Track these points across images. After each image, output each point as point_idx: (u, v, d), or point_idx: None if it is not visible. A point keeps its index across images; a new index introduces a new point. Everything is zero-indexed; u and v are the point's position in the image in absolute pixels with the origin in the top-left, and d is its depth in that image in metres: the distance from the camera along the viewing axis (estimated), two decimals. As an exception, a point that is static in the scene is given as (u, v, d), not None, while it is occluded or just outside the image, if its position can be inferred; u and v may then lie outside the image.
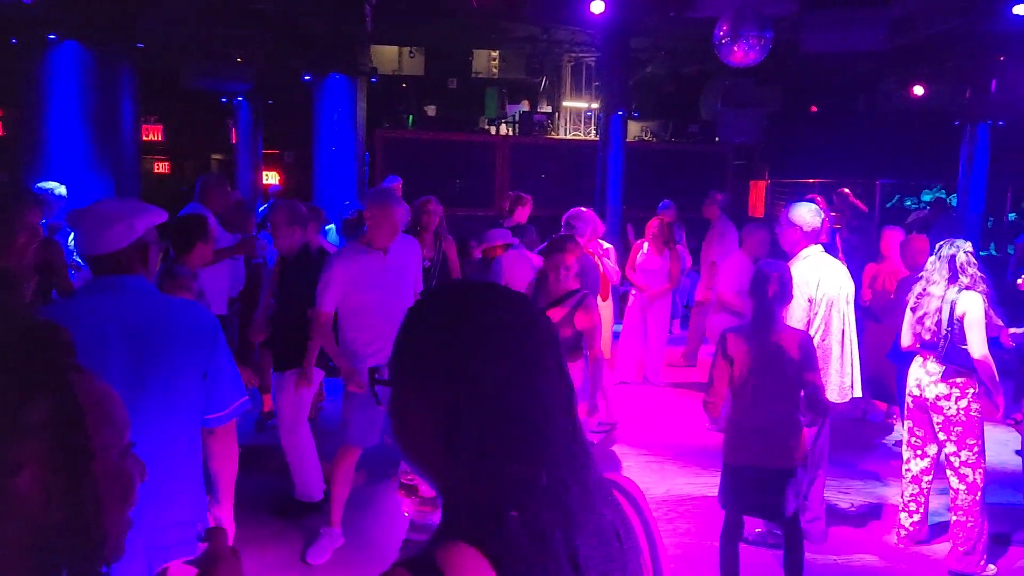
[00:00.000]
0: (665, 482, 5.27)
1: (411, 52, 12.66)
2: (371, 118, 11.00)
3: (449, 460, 0.94)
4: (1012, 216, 13.84)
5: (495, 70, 13.19)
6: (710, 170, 13.43)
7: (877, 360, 5.77)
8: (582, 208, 6.28)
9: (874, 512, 4.83)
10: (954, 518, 4.08)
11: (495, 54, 13.13)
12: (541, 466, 0.93)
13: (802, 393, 3.44)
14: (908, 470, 4.32)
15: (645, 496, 1.13)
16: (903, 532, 4.37)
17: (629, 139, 12.42)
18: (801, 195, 14.10)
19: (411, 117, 12.64)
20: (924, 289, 4.11)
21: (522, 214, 6.83)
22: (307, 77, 9.78)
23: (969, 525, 4.01)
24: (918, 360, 4.18)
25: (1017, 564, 4.19)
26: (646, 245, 7.37)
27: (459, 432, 0.93)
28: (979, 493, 4.02)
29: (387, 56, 12.60)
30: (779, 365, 3.39)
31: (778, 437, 3.40)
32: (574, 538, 0.92)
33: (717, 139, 13.40)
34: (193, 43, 10.91)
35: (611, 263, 6.60)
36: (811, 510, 4.21)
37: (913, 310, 4.18)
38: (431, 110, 12.83)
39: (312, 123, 9.54)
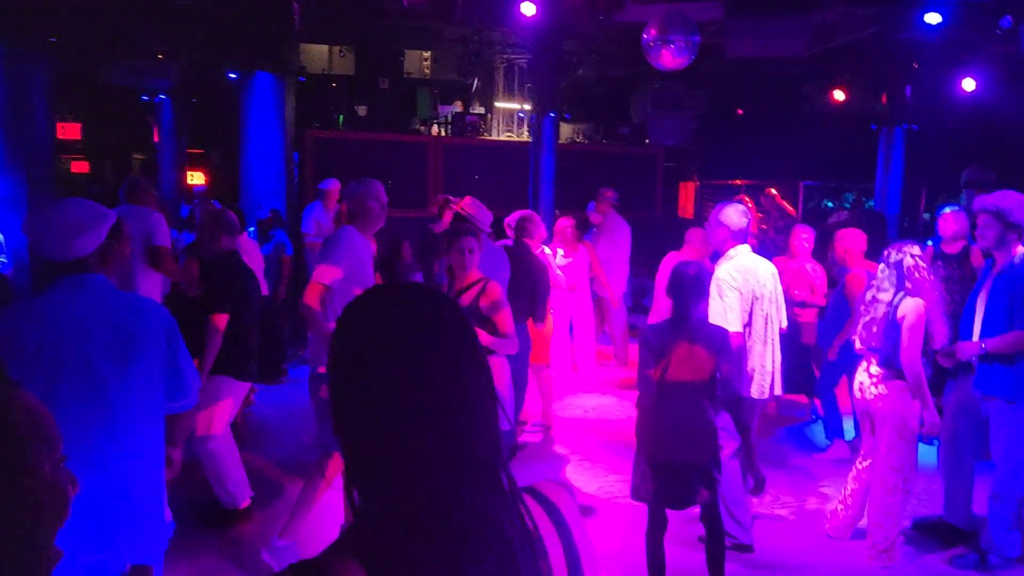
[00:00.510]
0: (597, 480, 5.31)
1: (341, 51, 12.48)
2: (301, 118, 10.78)
3: (346, 468, 0.98)
4: (927, 216, 14.41)
5: (427, 71, 13.11)
6: (641, 172, 13.64)
7: (796, 355, 5.95)
8: (529, 211, 6.37)
9: (801, 506, 4.96)
10: (875, 516, 4.18)
11: (427, 54, 13.04)
12: (424, 478, 0.93)
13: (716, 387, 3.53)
14: (854, 467, 4.44)
15: (570, 502, 1.12)
16: (837, 526, 4.50)
17: (561, 141, 12.51)
18: (729, 196, 14.46)
19: (341, 117, 12.46)
20: (874, 296, 4.17)
21: (448, 218, 6.81)
22: (233, 75, 9.54)
23: (887, 524, 4.13)
24: (863, 364, 4.27)
25: (923, 560, 4.35)
26: (560, 251, 7.44)
27: (343, 439, 0.96)
28: (900, 494, 4.12)
29: (317, 55, 12.38)
30: (697, 360, 3.46)
31: (697, 431, 3.47)
32: (457, 551, 0.91)
33: (648, 141, 13.60)
34: (112, 39, 10.51)
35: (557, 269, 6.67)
36: (740, 505, 4.28)
37: (863, 315, 4.25)
38: (362, 110, 12.66)
39: (239, 122, 9.31)
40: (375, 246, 6.06)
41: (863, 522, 4.37)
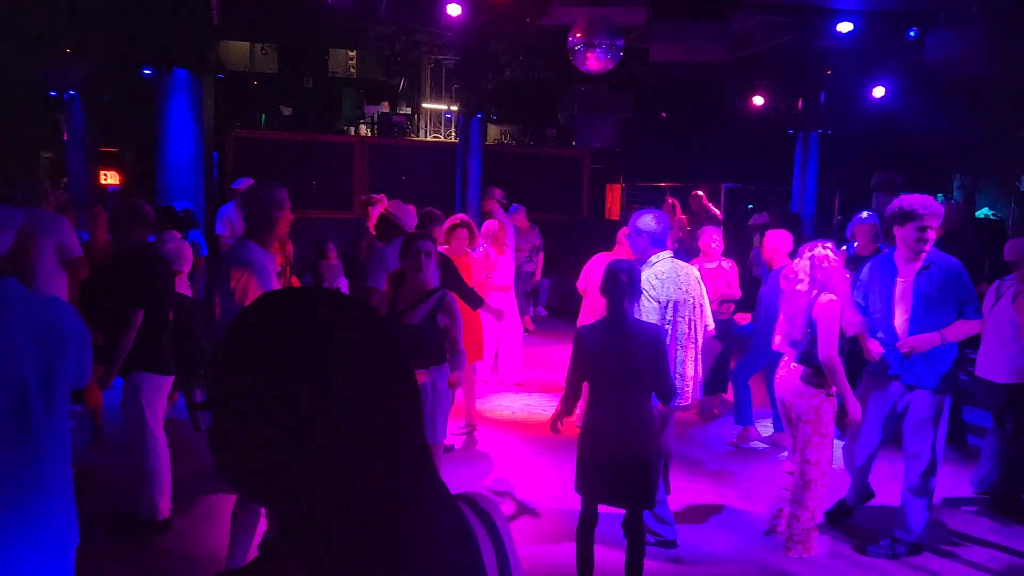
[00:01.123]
0: (524, 480, 5.31)
1: (263, 49, 12.19)
2: (221, 117, 10.50)
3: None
4: (840, 218, 14.97)
5: (353, 70, 12.92)
6: (568, 174, 13.76)
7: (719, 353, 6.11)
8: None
9: (722, 501, 5.07)
10: (790, 508, 4.32)
11: (352, 54, 12.86)
12: (343, 485, 0.90)
13: (651, 385, 3.56)
14: (787, 463, 4.56)
15: (499, 511, 1.11)
16: (773, 522, 4.61)
17: (489, 142, 12.53)
18: (655, 198, 14.73)
19: (264, 116, 12.18)
20: (792, 292, 4.29)
21: (375, 214, 6.77)
22: (148, 72, 9.20)
23: (804, 516, 4.25)
24: (784, 360, 4.40)
25: (837, 549, 4.51)
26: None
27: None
28: (818, 488, 4.25)
29: (238, 52, 12.07)
30: (631, 359, 3.49)
31: (632, 430, 3.49)
32: (391, 559, 0.90)
33: (574, 143, 13.72)
34: (16, 31, 10.02)
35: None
36: (662, 502, 4.36)
37: (783, 312, 4.38)
38: (286, 110, 12.40)
39: (155, 121, 8.99)
40: (291, 249, 5.96)
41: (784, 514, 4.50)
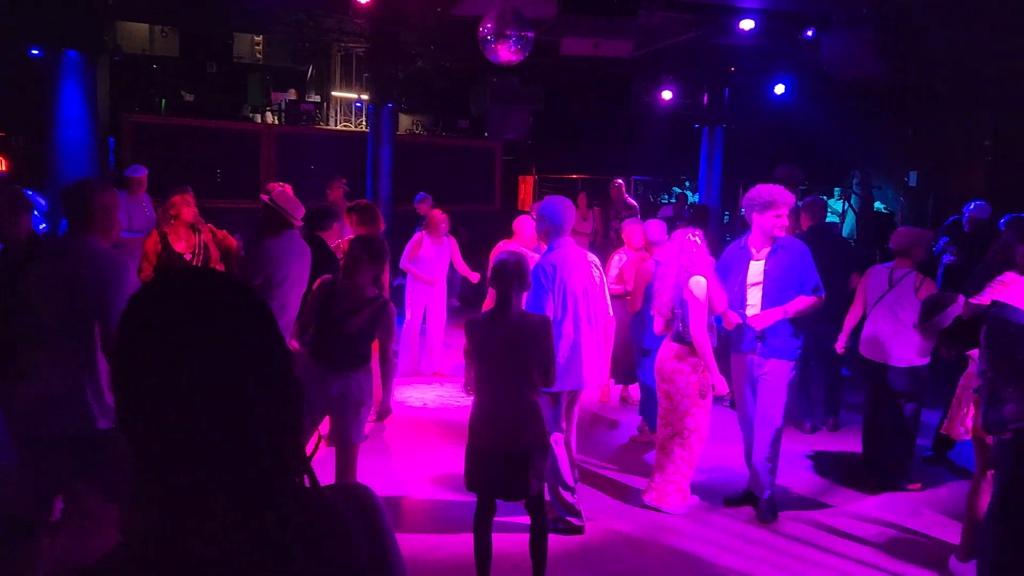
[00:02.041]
0: (434, 470, 5.32)
1: (163, 31, 11.72)
2: (118, 101, 10.04)
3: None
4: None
5: (259, 55, 12.58)
6: (480, 165, 13.78)
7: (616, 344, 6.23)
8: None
9: (628, 487, 5.20)
10: (664, 459, 4.66)
11: (259, 39, 12.52)
12: (212, 480, 0.89)
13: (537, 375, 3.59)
14: (657, 437, 4.80)
15: (376, 502, 1.10)
16: (650, 490, 4.80)
17: (400, 132, 12.41)
18: (567, 190, 14.90)
19: (164, 101, 11.70)
20: (664, 275, 4.60)
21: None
22: (37, 53, 8.69)
23: (674, 468, 4.62)
24: (666, 339, 4.68)
25: (736, 528, 4.70)
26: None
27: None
28: (692, 450, 4.61)
29: (136, 34, 11.56)
30: (519, 350, 3.51)
31: (519, 419, 3.52)
32: (253, 554, 0.90)
33: (486, 135, 13.74)
34: None
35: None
36: (569, 489, 4.43)
37: (656, 295, 4.64)
38: (188, 95, 11.95)
39: (44, 104, 8.51)
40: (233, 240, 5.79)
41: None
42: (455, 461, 5.43)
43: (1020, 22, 8.48)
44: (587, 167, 16.10)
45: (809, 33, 9.52)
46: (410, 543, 4.29)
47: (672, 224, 9.17)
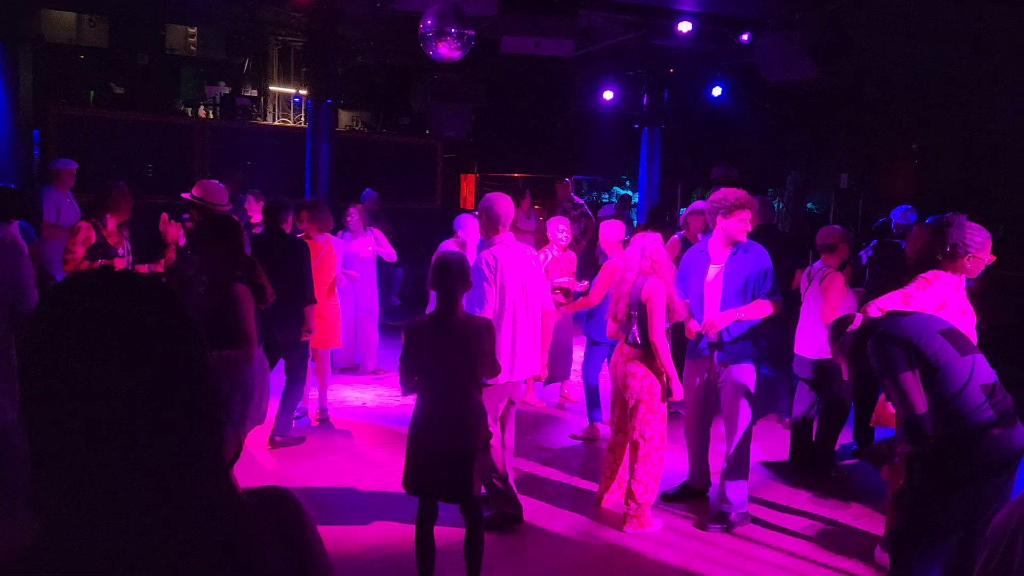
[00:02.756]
0: (373, 471, 5.25)
1: (91, 20, 11.29)
2: (43, 92, 9.63)
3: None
4: (683, 211, 15.77)
5: (193, 47, 12.23)
6: (421, 162, 13.66)
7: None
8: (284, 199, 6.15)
9: (566, 481, 5.22)
10: (627, 485, 4.53)
11: (193, 30, 12.17)
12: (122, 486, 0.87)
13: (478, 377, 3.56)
14: (609, 441, 4.75)
15: (296, 506, 1.08)
16: (600, 496, 4.79)
17: (340, 128, 12.23)
18: (508, 189, 14.90)
19: (92, 93, 11.29)
20: (622, 277, 4.52)
21: None
22: (-47, 39, 8.28)
23: (639, 491, 4.48)
24: (617, 343, 4.61)
25: (674, 524, 4.76)
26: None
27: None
28: (652, 464, 4.50)
29: (62, 22, 11.12)
30: (464, 354, 3.47)
31: (459, 421, 3.48)
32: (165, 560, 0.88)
33: (427, 132, 13.64)
34: None
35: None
36: (505, 479, 4.41)
37: (613, 297, 4.57)
38: (118, 87, 11.54)
39: (-39, 94, 8.11)
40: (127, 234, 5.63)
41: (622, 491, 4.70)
42: (394, 462, 5.38)
43: (947, 29, 8.80)
44: (529, 166, 16.13)
45: (744, 37, 9.70)
46: (348, 544, 4.23)
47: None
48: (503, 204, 4.43)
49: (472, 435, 3.50)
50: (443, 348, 3.47)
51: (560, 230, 6.59)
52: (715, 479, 4.94)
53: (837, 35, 9.07)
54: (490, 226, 4.41)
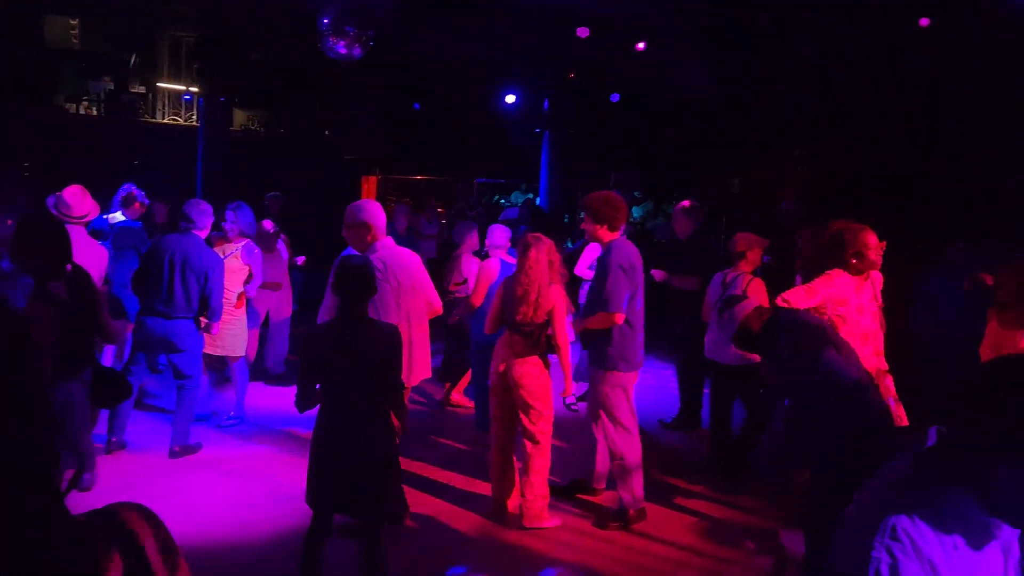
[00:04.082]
0: (270, 481, 5.09)
1: (-41, 8, 10.55)
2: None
3: None
4: (582, 216, 16.05)
5: (74, 40, 11.60)
6: (322, 163, 13.39)
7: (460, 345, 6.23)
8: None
9: (456, 486, 5.18)
10: (528, 478, 4.54)
11: (75, 22, 11.54)
12: None
13: (385, 385, 3.45)
14: (495, 441, 4.73)
15: (144, 525, 1.04)
16: (494, 496, 4.77)
17: (235, 127, 11.85)
18: (411, 190, 14.78)
19: (-39, 86, 10.55)
20: (517, 277, 4.48)
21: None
22: None
23: (538, 486, 4.52)
24: (504, 341, 4.58)
25: (571, 522, 4.81)
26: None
27: None
28: (547, 460, 4.55)
29: (-75, 9, 10.34)
30: (365, 359, 3.35)
31: (369, 431, 3.37)
32: None
33: (328, 133, 13.39)
34: None
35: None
36: (391, 491, 4.34)
37: (508, 298, 4.54)
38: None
39: None
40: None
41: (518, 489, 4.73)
42: (297, 472, 5.23)
43: (834, 37, 9.24)
44: (433, 168, 16.06)
45: (641, 45, 9.94)
46: (231, 558, 4.08)
47: (515, 227, 9.34)
48: (371, 210, 4.31)
49: (384, 446, 3.41)
50: (350, 355, 3.34)
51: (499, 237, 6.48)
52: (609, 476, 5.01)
53: (730, 43, 9.43)
54: (363, 234, 4.24)
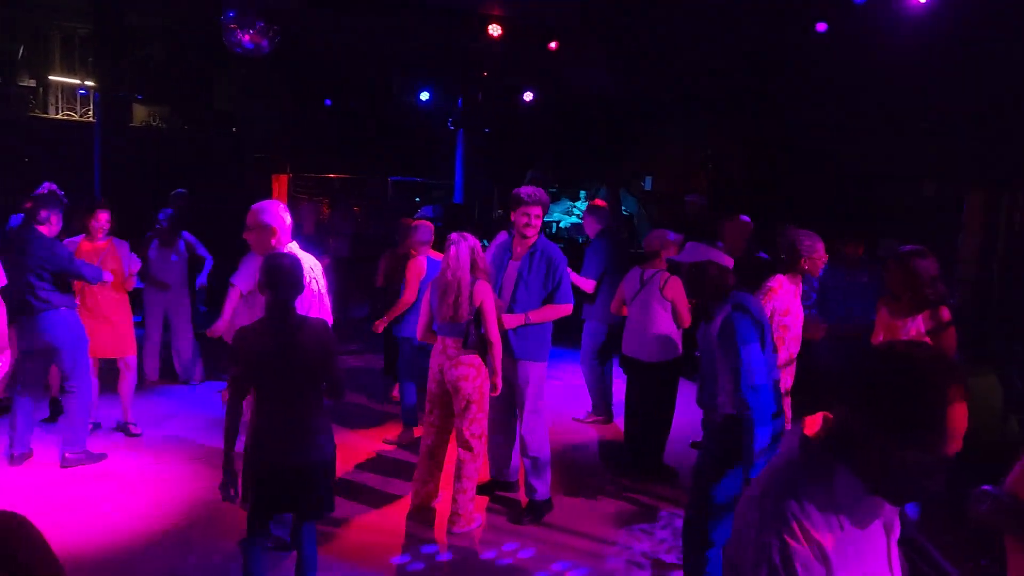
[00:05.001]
0: (184, 487, 4.91)
1: None
2: None
3: None
4: (500, 212, 16.04)
5: (-45, 30, 10.92)
6: (229, 161, 12.99)
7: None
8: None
9: (379, 489, 5.12)
10: (461, 482, 4.51)
11: (-46, 10, 10.86)
12: None
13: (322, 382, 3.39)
14: (426, 445, 4.66)
15: (23, 532, 0.97)
16: (414, 499, 4.72)
17: (135, 123, 11.38)
18: (324, 189, 14.51)
19: None
20: (446, 280, 4.40)
21: None
22: None
23: (469, 488, 4.49)
24: (438, 346, 4.51)
25: (489, 520, 4.81)
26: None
27: None
28: (480, 460, 4.52)
29: None
30: (299, 357, 3.28)
31: (304, 432, 3.30)
32: None
33: (234, 129, 13.00)
34: None
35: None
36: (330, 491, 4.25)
37: (435, 300, 4.48)
38: None
39: None
40: None
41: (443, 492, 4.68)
42: (199, 478, 5.06)
43: (733, 39, 9.52)
44: (346, 166, 15.79)
45: (552, 44, 10.00)
46: (145, 567, 3.92)
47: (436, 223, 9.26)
48: (275, 211, 4.10)
49: (324, 445, 3.34)
50: (283, 355, 3.26)
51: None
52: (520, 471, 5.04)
53: (636, 45, 9.59)
54: (266, 237, 4.06)
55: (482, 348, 4.47)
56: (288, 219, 4.12)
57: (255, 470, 3.30)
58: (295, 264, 3.37)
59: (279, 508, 3.41)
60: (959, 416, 1.33)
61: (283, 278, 3.30)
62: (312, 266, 4.20)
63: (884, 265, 4.38)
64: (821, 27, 8.58)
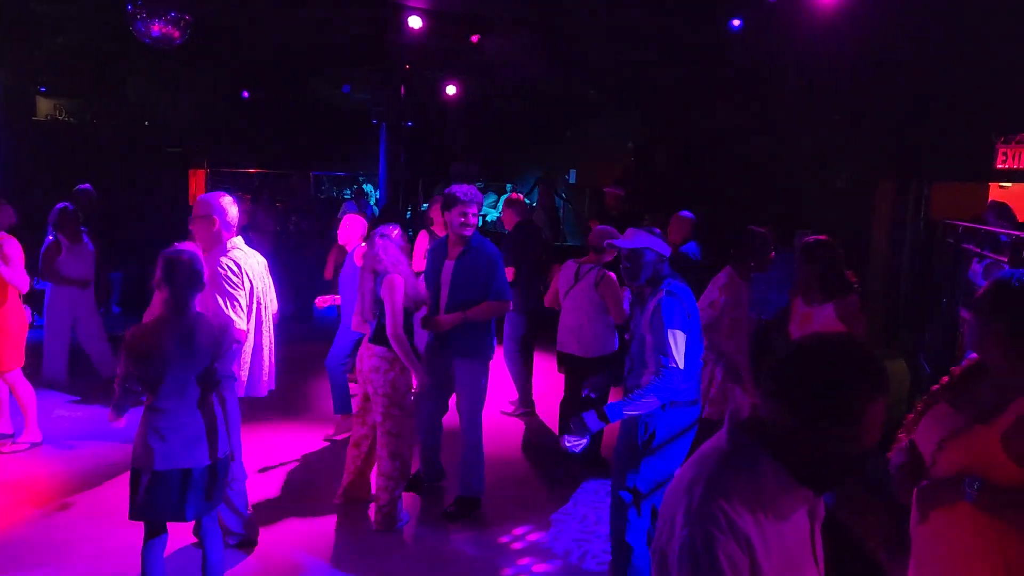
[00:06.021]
0: (110, 490, 4.72)
1: None
2: None
3: None
4: (425, 207, 15.93)
5: None
6: (142, 155, 12.46)
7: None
8: None
9: (307, 490, 5.02)
10: (377, 481, 4.46)
11: None
12: None
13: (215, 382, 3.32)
14: (353, 437, 4.64)
15: None
16: (347, 492, 4.68)
17: (39, 117, 10.85)
18: (243, 185, 14.12)
19: None
20: (363, 274, 4.41)
21: None
22: None
23: (390, 487, 4.42)
24: (365, 338, 4.50)
25: (418, 516, 4.77)
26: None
27: None
28: (400, 459, 4.43)
29: None
30: (196, 355, 3.21)
31: (200, 432, 3.22)
32: None
33: (148, 123, 12.50)
34: None
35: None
36: (241, 497, 4.13)
37: (359, 293, 4.49)
38: None
39: None
40: None
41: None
42: (117, 488, 4.86)
43: (658, 37, 9.67)
44: (265, 161, 15.41)
45: (475, 38, 9.96)
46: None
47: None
48: (230, 204, 4.05)
49: (213, 447, 3.25)
50: (176, 355, 3.17)
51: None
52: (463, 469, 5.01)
53: (562, 39, 9.64)
54: (209, 227, 3.97)
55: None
56: (234, 212, 4.01)
57: (142, 475, 3.21)
58: (193, 259, 3.29)
59: (166, 514, 3.27)
60: (878, 410, 1.37)
61: (180, 273, 3.23)
62: (259, 262, 4.10)
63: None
64: (736, 23, 8.79)
